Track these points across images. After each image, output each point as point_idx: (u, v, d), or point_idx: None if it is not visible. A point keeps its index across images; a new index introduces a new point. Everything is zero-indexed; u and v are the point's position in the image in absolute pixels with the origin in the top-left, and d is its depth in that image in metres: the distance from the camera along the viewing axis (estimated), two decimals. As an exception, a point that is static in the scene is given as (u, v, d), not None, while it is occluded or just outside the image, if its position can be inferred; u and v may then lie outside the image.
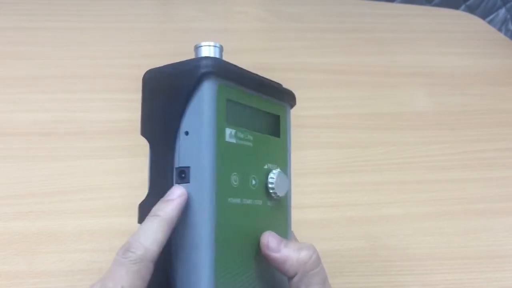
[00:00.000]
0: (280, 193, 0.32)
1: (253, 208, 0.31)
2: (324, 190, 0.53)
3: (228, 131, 0.29)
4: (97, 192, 0.50)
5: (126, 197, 0.50)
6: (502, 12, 1.36)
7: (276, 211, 0.33)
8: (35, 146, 0.55)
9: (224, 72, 0.29)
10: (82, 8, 0.86)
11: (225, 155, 0.29)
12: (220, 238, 0.28)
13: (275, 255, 0.30)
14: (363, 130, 0.62)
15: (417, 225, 0.50)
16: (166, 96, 0.29)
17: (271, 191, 0.32)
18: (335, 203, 0.52)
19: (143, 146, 0.29)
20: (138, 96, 0.32)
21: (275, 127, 0.34)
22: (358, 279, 0.44)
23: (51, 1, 0.87)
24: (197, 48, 0.31)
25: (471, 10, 1.32)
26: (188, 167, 0.28)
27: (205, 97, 0.28)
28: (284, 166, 0.34)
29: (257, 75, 0.32)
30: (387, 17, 0.93)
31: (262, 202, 0.31)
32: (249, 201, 0.30)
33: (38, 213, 0.48)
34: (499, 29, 1.30)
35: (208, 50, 0.31)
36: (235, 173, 0.30)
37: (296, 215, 0.43)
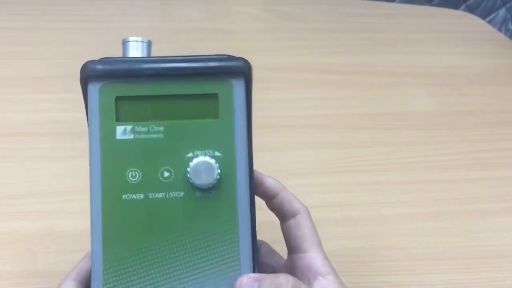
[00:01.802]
0: (201, 181, 0.29)
1: (167, 201, 0.30)
2: (324, 190, 0.53)
3: (120, 129, 0.30)
4: (97, 192, 0.50)
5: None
6: (502, 12, 1.36)
7: (213, 203, 0.30)
8: (35, 146, 0.55)
9: (108, 72, 0.29)
10: (82, 8, 0.86)
11: (116, 154, 0.29)
12: (111, 233, 0.29)
13: None
14: (363, 130, 0.62)
15: (417, 225, 0.50)
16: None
17: (190, 180, 0.29)
18: (335, 203, 0.52)
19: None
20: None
21: (208, 108, 0.30)
22: (358, 279, 0.44)
23: (51, 1, 0.87)
24: (123, 43, 0.31)
25: (471, 10, 1.32)
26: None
27: (89, 101, 0.29)
28: (230, 149, 0.30)
29: (172, 59, 0.30)
30: (387, 17, 0.93)
31: (184, 193, 0.30)
32: (159, 195, 0.30)
33: (38, 213, 0.48)
34: (499, 29, 1.30)
35: (134, 46, 0.31)
36: (134, 169, 0.30)
37: (296, 215, 0.43)
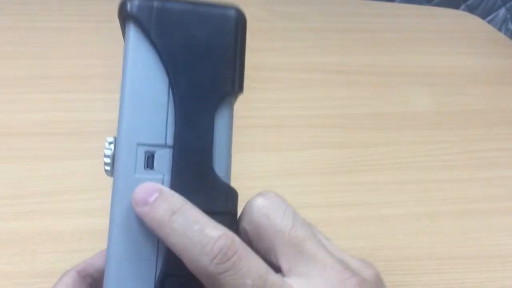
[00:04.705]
0: None
1: None
2: (324, 190, 0.53)
3: None
4: (97, 192, 0.50)
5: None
6: (502, 11, 1.36)
7: None
8: (35, 146, 0.55)
9: None
10: (82, 8, 0.86)
11: None
12: None
13: None
14: (363, 130, 0.62)
15: (417, 225, 0.50)
16: None
17: None
18: (335, 203, 0.52)
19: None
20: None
21: None
22: (358, 279, 0.44)
23: (51, 1, 0.87)
24: None
25: (471, 10, 1.32)
26: None
27: None
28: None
29: None
30: (387, 17, 0.93)
31: None
32: None
33: (38, 213, 0.48)
34: (499, 29, 1.30)
35: None
36: None
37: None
